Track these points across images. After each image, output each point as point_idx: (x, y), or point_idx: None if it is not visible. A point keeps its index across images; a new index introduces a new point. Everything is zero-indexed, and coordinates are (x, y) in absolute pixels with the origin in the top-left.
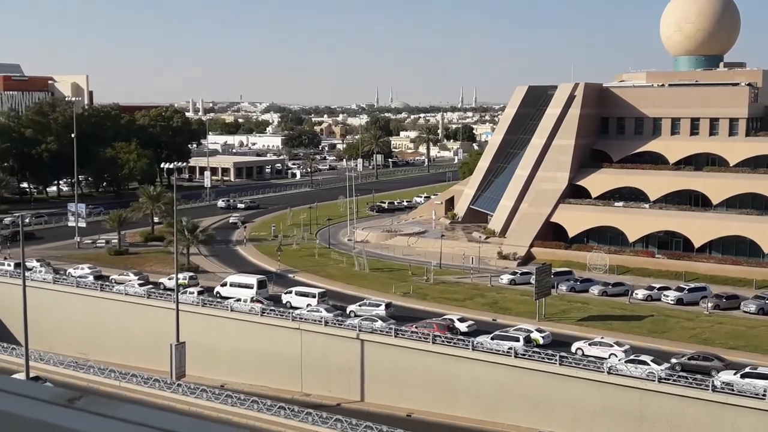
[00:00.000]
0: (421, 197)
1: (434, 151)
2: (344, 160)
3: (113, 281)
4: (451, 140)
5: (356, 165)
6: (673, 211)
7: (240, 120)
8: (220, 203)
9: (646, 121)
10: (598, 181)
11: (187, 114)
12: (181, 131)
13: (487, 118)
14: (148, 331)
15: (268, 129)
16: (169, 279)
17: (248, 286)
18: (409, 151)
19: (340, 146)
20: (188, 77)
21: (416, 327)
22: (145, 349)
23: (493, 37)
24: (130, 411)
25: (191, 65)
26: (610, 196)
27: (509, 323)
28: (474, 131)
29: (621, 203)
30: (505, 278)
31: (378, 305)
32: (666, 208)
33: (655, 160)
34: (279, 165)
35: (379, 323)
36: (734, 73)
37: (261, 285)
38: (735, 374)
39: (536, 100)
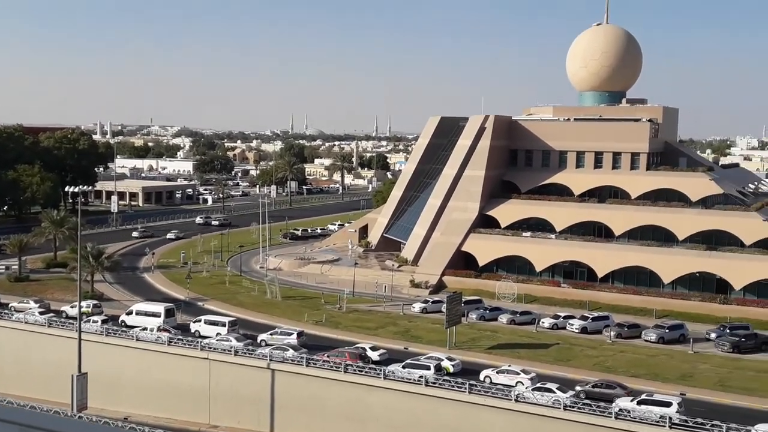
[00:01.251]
0: (335, 225)
1: (348, 179)
2: (258, 186)
3: (12, 309)
4: (366, 168)
5: (270, 191)
6: (578, 241)
7: (150, 144)
8: (135, 233)
9: (553, 153)
10: (507, 212)
11: (94, 136)
12: (88, 154)
13: (401, 147)
14: (48, 362)
15: (179, 153)
16: (72, 307)
17: (155, 315)
18: (324, 178)
19: (253, 172)
20: (97, 99)
21: (328, 356)
22: (46, 380)
23: (406, 67)
24: None
25: (100, 86)
26: (518, 227)
27: (421, 351)
28: (388, 160)
29: (529, 233)
30: (417, 306)
31: (290, 334)
32: (571, 238)
33: (561, 192)
34: (190, 190)
35: (290, 352)
36: (636, 109)
37: (169, 313)
38: (632, 401)
39: (448, 130)
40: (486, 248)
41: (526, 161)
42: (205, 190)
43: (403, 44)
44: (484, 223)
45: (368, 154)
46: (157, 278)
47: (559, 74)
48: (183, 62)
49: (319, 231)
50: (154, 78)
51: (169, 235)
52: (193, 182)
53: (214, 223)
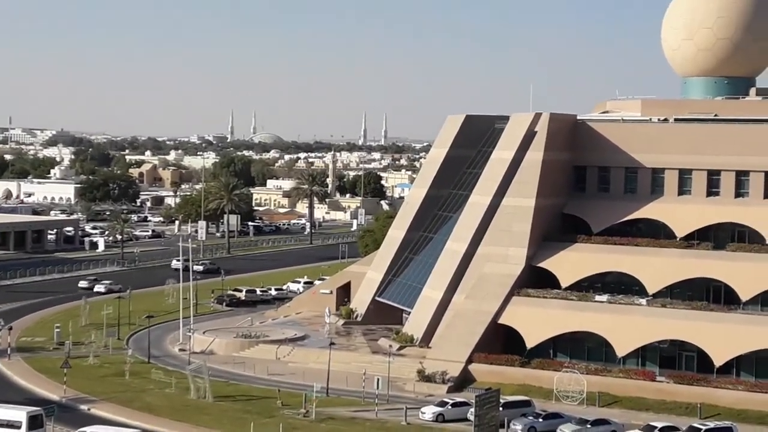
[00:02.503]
0: (299, 283)
1: (320, 212)
2: (177, 222)
3: None
4: (348, 195)
5: (196, 231)
6: (683, 310)
7: (7, 156)
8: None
9: (642, 173)
10: (570, 263)
11: None
12: None
13: (404, 161)
14: None
15: (53, 171)
16: None
17: (13, 425)
18: (282, 210)
19: (171, 201)
20: None
21: None
22: None
23: (411, 46)
24: None
25: None
26: (589, 286)
27: None
28: (383, 181)
29: (605, 297)
30: (429, 412)
31: None
32: (672, 305)
33: (656, 233)
34: (70, 229)
35: None
36: None
37: (34, 423)
38: None
39: (477, 137)
40: (537, 320)
41: (599, 184)
42: (95, 229)
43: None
44: (535, 280)
45: (352, 173)
46: (15, 367)
47: (652, 52)
48: (59, 38)
49: (273, 293)
50: (15, 60)
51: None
52: (75, 216)
53: (99, 289)
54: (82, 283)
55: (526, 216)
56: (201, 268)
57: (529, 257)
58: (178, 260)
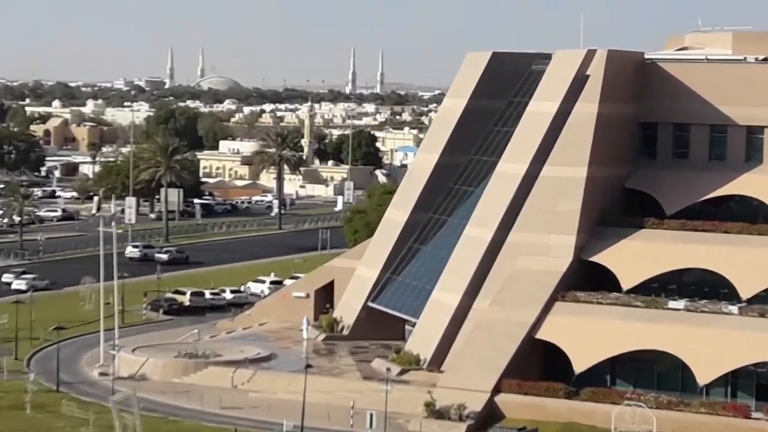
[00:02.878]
0: (263, 283)
1: (293, 185)
2: (96, 199)
3: None
4: (331, 162)
5: (122, 211)
6: None
7: None
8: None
9: (734, 132)
10: (634, 257)
11: None
12: None
13: (407, 117)
14: None
15: None
16: None
17: None
18: (240, 183)
19: (87, 169)
20: None
21: None
22: None
23: None
24: None
25: None
26: (659, 289)
27: None
28: (379, 144)
29: (681, 303)
30: None
31: None
32: None
33: (752, 215)
34: None
35: None
36: None
37: None
38: None
39: (508, 82)
40: (589, 335)
41: (675, 148)
42: None
43: None
44: (587, 280)
45: (336, 132)
46: None
47: None
48: None
49: (228, 296)
50: None
51: None
52: None
53: (18, 285)
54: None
55: (574, 191)
56: (165, 257)
57: (578, 248)
58: (135, 246)
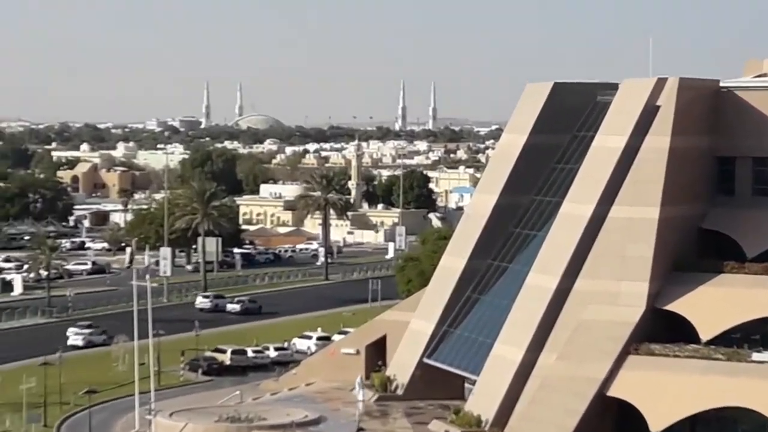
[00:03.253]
0: (309, 339)
1: (340, 231)
2: (129, 250)
3: None
4: (381, 205)
5: (157, 263)
6: None
7: None
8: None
9: None
10: (714, 304)
11: None
12: None
13: (462, 154)
14: None
15: None
16: None
17: None
18: (283, 230)
19: (118, 217)
20: None
21: None
22: None
23: None
24: None
25: None
26: (742, 339)
27: None
28: (432, 185)
29: (766, 355)
30: None
31: None
32: None
33: None
34: None
35: None
36: None
37: None
38: None
39: (571, 115)
40: (666, 391)
41: (756, 184)
42: (8, 261)
43: None
44: (662, 330)
45: (386, 173)
46: None
47: None
48: None
49: (272, 354)
50: None
51: None
52: None
53: (74, 341)
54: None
55: (646, 233)
56: (237, 307)
57: (651, 296)
58: (206, 297)
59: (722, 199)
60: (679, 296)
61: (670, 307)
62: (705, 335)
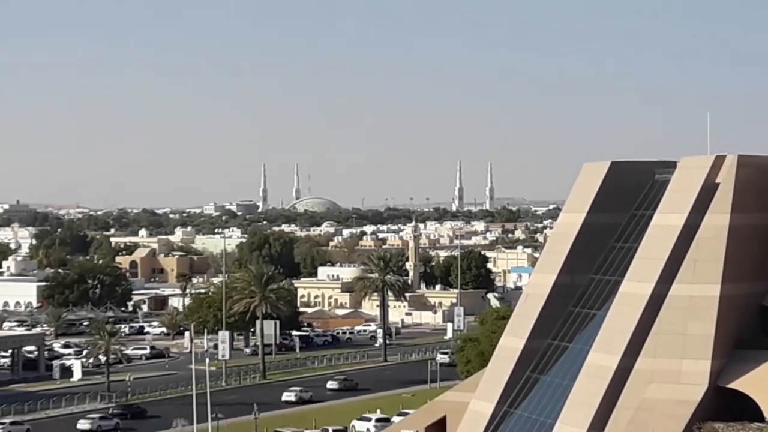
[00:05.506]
0: (368, 421)
1: (398, 313)
2: (187, 334)
3: None
4: (439, 286)
5: (215, 347)
6: None
7: None
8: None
9: None
10: None
11: None
12: None
13: (520, 234)
14: None
15: (6, 264)
16: None
17: None
18: (341, 311)
19: (176, 301)
20: None
21: None
22: None
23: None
24: None
25: None
26: None
27: None
28: (490, 264)
29: None
30: None
31: None
32: None
33: None
34: (32, 349)
35: None
36: None
37: None
38: None
39: (630, 194)
40: None
41: None
42: (67, 347)
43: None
44: (726, 408)
45: (443, 253)
46: None
47: None
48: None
49: None
50: None
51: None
52: (38, 330)
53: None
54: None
55: (707, 311)
56: (335, 384)
57: (714, 374)
58: (334, 381)
59: None
60: (742, 374)
61: (733, 385)
62: None
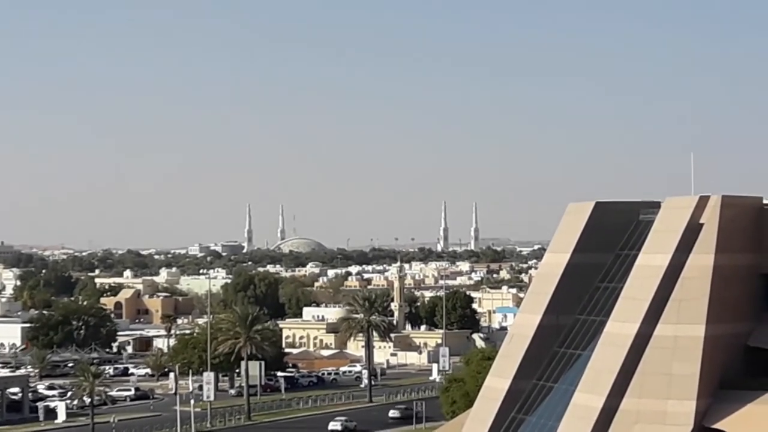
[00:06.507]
0: None
1: (383, 353)
2: (172, 376)
3: None
4: (424, 326)
5: (200, 388)
6: None
7: None
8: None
9: None
10: (762, 422)
11: None
12: None
13: (505, 274)
14: None
15: None
16: None
17: None
18: (327, 352)
19: (161, 342)
20: None
21: None
22: None
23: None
24: None
25: None
26: None
27: None
28: (475, 305)
29: None
30: None
31: None
32: None
33: None
34: (16, 390)
35: None
36: None
37: None
38: None
39: (614, 234)
40: None
41: None
42: (52, 389)
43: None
44: None
45: (428, 294)
46: None
47: None
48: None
49: None
50: None
51: None
52: (22, 371)
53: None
54: None
55: (692, 352)
56: (397, 413)
57: (699, 414)
58: (337, 420)
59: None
60: (727, 414)
61: (718, 426)
62: None
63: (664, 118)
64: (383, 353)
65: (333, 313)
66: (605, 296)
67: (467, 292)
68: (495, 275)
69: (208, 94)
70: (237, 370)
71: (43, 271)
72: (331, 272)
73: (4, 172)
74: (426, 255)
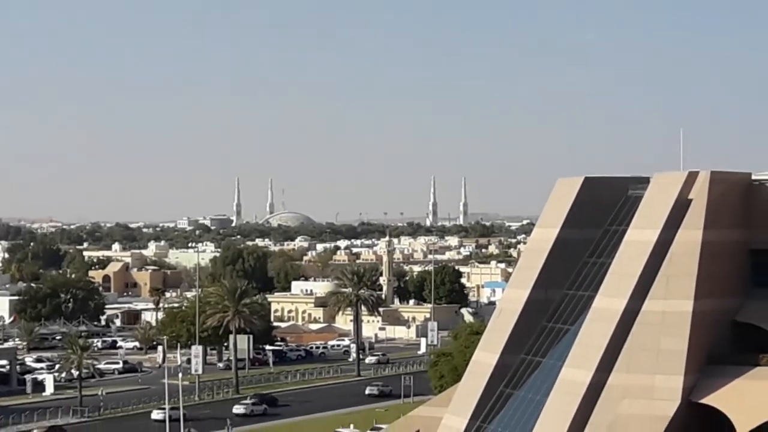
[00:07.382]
0: None
1: (372, 327)
2: (160, 349)
3: None
4: (412, 301)
5: (188, 361)
6: None
7: None
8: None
9: None
10: (750, 398)
11: None
12: None
13: (494, 249)
14: None
15: None
16: None
17: None
18: (315, 326)
19: (149, 316)
20: None
21: None
22: None
23: (499, 75)
24: None
25: None
26: None
27: None
28: (464, 280)
29: None
30: None
31: None
32: None
33: None
34: (4, 363)
35: None
36: None
37: None
38: None
39: (603, 210)
40: None
41: None
42: (39, 361)
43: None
44: (698, 425)
45: (417, 268)
46: None
47: None
48: None
49: None
50: None
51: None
52: (10, 344)
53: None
54: None
55: (680, 327)
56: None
57: (686, 389)
58: (374, 386)
59: (756, 292)
60: (714, 389)
61: (705, 401)
62: (742, 429)
63: (654, 94)
64: (372, 327)
65: (321, 287)
66: (594, 271)
67: (456, 267)
68: (484, 250)
69: (198, 68)
70: (225, 344)
71: (32, 243)
72: (319, 246)
73: None
74: (415, 229)
